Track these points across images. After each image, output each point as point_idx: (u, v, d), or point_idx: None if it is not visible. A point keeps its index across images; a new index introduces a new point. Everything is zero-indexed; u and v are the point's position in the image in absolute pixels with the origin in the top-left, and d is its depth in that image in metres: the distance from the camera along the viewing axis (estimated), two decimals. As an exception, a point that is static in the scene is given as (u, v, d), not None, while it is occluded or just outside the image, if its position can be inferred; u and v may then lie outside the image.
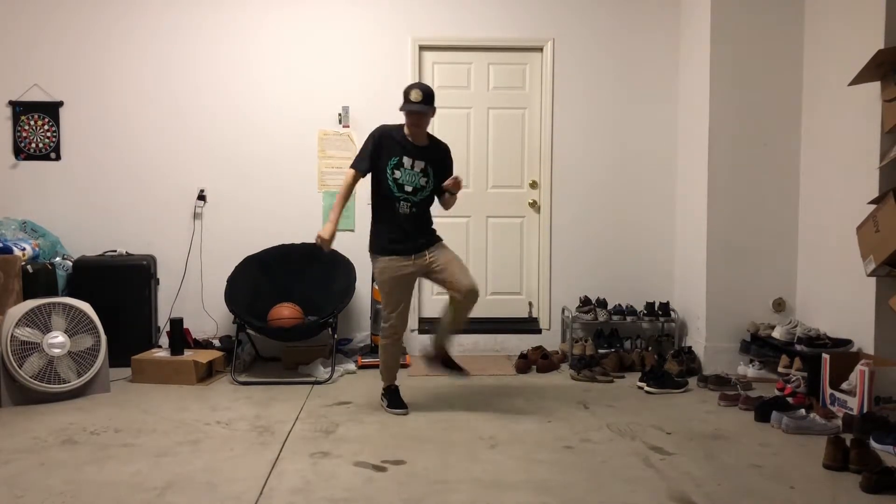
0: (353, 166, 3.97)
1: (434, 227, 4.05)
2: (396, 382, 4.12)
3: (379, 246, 3.97)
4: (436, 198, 4.03)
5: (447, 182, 3.91)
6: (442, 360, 4.15)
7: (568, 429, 3.72)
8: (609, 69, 5.51)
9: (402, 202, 3.90)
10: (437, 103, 5.50)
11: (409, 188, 3.89)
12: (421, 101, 3.85)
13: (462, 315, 4.02)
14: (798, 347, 4.42)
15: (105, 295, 4.87)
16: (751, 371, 4.77)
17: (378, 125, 4.04)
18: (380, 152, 3.92)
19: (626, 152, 5.55)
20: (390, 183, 3.89)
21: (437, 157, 3.99)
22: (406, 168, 3.90)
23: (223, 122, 5.41)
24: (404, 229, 3.91)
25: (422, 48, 5.47)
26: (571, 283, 5.53)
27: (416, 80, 5.38)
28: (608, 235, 5.56)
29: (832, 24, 4.59)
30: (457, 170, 5.46)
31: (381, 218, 3.98)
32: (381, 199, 3.96)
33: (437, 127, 5.50)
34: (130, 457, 3.28)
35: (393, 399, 4.06)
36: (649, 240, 5.58)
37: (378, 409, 4.06)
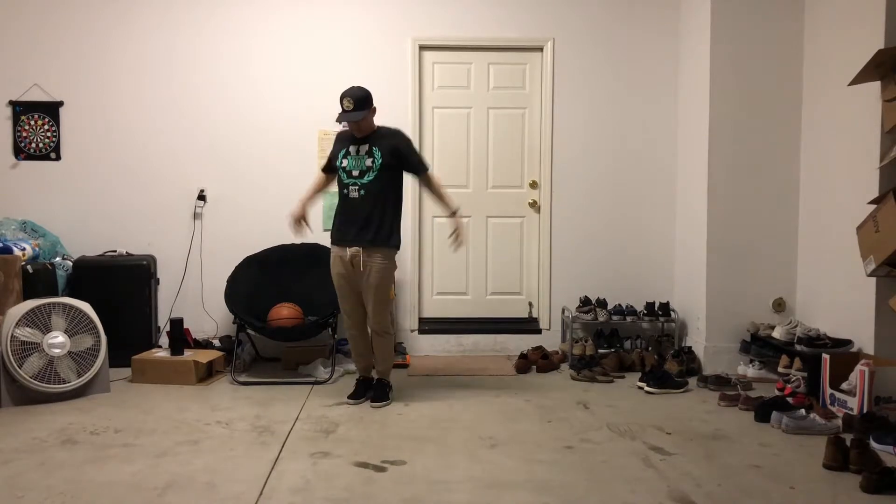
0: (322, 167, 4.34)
1: (391, 229, 4.06)
2: (373, 375, 4.29)
3: (331, 234, 4.18)
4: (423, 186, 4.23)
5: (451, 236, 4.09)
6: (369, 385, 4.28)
7: (568, 429, 3.72)
8: (609, 69, 5.51)
9: (350, 187, 4.04)
10: (437, 103, 5.57)
11: (355, 172, 4.03)
12: (352, 110, 3.96)
13: (376, 354, 4.21)
14: (798, 347, 4.42)
15: (105, 295, 4.87)
16: (751, 371, 4.77)
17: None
18: (336, 151, 4.15)
19: (626, 152, 5.55)
20: (341, 172, 4.08)
21: (381, 138, 4.07)
22: (352, 154, 4.05)
23: (223, 122, 5.41)
24: (351, 215, 4.04)
25: (422, 48, 5.47)
26: (571, 283, 5.54)
27: (417, 79, 5.41)
28: (608, 235, 5.56)
29: (832, 24, 4.59)
30: (457, 169, 5.53)
31: (337, 208, 4.14)
32: (339, 192, 4.12)
33: (438, 127, 5.52)
34: (130, 457, 3.28)
35: (355, 388, 4.25)
36: (649, 240, 5.58)
37: (378, 409, 4.06)
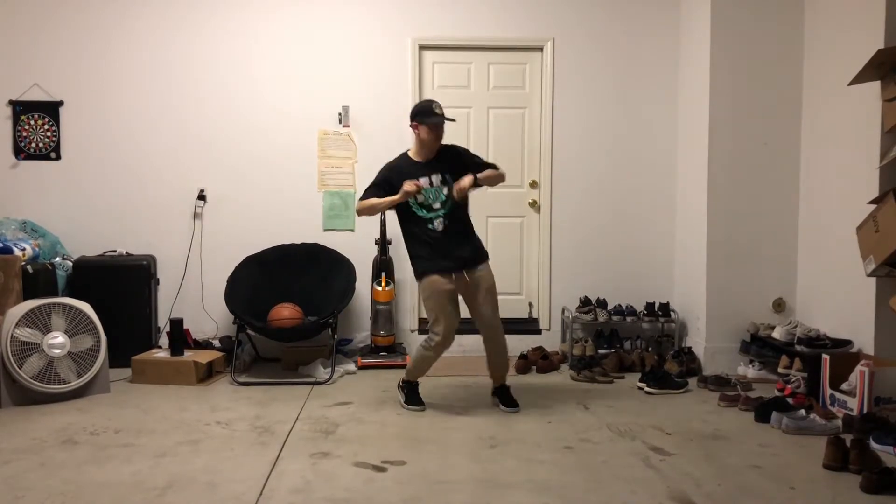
0: (362, 196, 4.03)
1: (481, 244, 4.08)
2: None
3: (421, 268, 3.98)
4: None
5: (456, 189, 3.88)
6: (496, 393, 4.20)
7: (568, 429, 3.72)
8: (609, 69, 5.51)
9: (434, 221, 3.93)
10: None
11: (436, 205, 3.93)
12: (442, 114, 3.91)
13: (494, 358, 4.12)
14: (798, 348, 4.42)
15: (105, 295, 4.86)
16: (751, 371, 4.77)
17: (386, 162, 4.09)
18: (393, 185, 3.92)
19: (626, 152, 5.54)
20: (415, 208, 3.93)
21: (448, 160, 4.00)
22: (425, 188, 3.91)
23: (223, 121, 5.40)
24: (443, 245, 3.92)
25: (422, 48, 5.46)
26: (571, 283, 5.53)
27: (417, 79, 5.41)
28: (608, 235, 5.56)
29: (832, 24, 4.59)
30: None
31: (419, 241, 3.97)
32: (414, 227, 3.96)
33: (437, 127, 5.51)
34: (130, 457, 3.28)
35: (412, 395, 4.12)
36: (649, 240, 5.57)
37: (378, 410, 4.06)
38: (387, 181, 3.96)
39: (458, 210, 3.97)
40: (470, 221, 4.07)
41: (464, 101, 5.54)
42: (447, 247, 3.92)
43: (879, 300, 4.06)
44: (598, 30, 5.49)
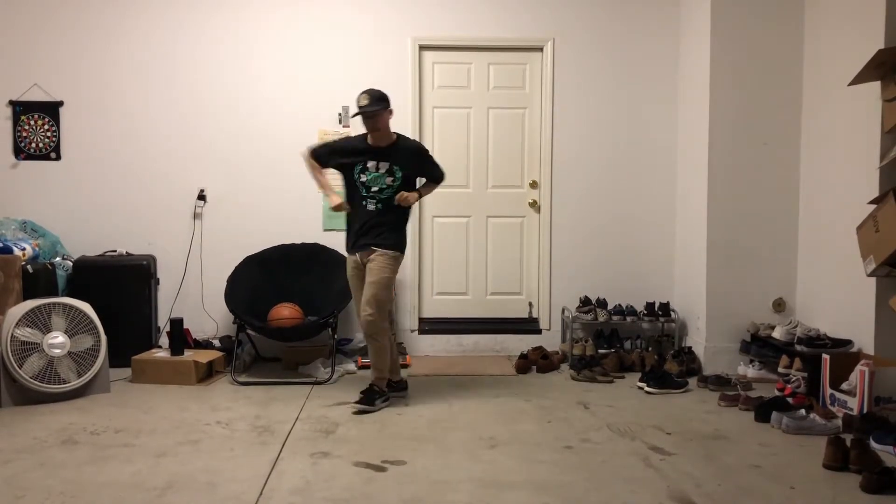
0: (315, 150, 4.24)
1: (398, 235, 4.15)
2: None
3: (347, 244, 4.24)
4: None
5: (396, 198, 4.09)
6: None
7: (568, 429, 3.72)
8: (609, 69, 5.51)
9: (368, 200, 4.12)
10: (437, 103, 5.57)
11: (374, 188, 4.10)
12: (368, 104, 4.00)
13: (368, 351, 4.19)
14: (798, 347, 4.42)
15: (105, 295, 4.86)
16: (751, 371, 4.77)
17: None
18: (342, 156, 4.15)
19: (626, 152, 5.55)
20: (359, 185, 4.12)
21: (405, 156, 4.14)
22: (370, 171, 4.09)
23: (223, 121, 5.40)
24: (364, 225, 4.10)
25: (422, 48, 5.46)
26: (571, 283, 5.53)
27: (417, 79, 5.42)
28: (608, 235, 5.56)
29: (832, 24, 4.59)
30: (457, 169, 5.52)
31: (351, 217, 4.19)
32: (352, 202, 4.16)
33: (438, 127, 5.52)
34: (130, 457, 3.28)
35: (396, 386, 4.27)
36: (649, 240, 5.58)
37: (377, 411, 4.06)
38: (335, 153, 4.18)
39: (393, 198, 4.08)
40: (402, 210, 4.16)
41: (464, 101, 5.54)
42: (364, 226, 4.09)
43: (879, 300, 4.07)
44: (598, 30, 5.49)
